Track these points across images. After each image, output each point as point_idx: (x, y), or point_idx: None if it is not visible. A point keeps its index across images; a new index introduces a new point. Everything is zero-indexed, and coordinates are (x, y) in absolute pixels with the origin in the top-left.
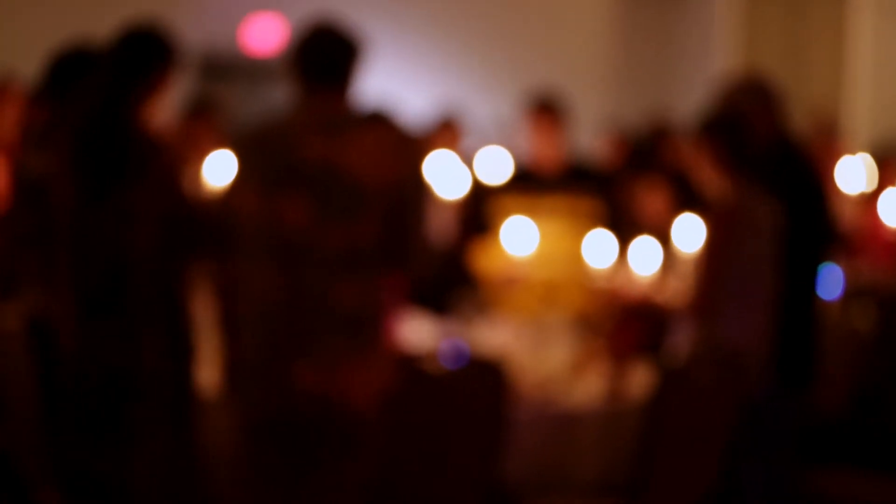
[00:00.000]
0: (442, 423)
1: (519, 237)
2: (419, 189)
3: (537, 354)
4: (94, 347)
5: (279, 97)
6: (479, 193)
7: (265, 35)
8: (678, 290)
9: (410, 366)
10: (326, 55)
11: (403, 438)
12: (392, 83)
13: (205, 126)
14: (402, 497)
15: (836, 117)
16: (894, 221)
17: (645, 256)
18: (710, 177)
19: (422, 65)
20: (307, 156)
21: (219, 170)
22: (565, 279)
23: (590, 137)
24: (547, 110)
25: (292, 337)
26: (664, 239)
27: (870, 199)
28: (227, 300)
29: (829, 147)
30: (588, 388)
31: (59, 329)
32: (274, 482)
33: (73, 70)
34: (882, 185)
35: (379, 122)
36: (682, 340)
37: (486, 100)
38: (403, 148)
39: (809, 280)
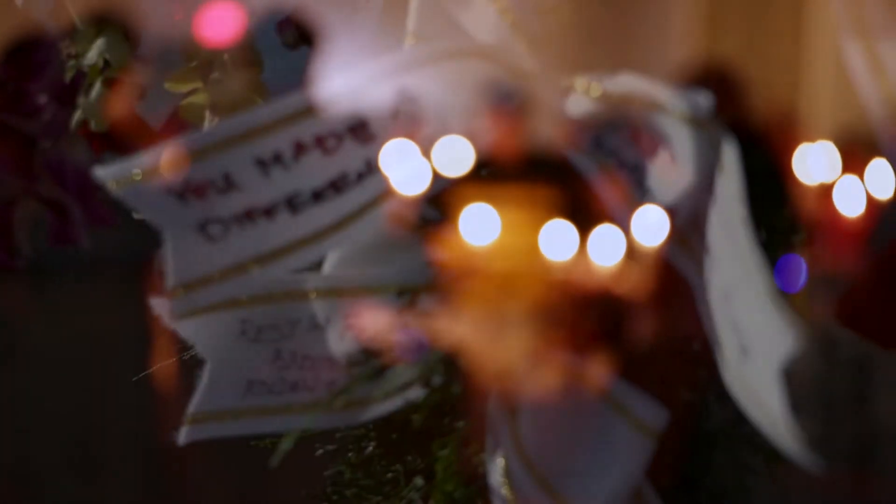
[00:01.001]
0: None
1: (477, 227)
2: None
3: (495, 347)
4: None
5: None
6: (437, 183)
7: (221, 24)
8: (639, 281)
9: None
10: (283, 45)
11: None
12: (349, 72)
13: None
14: None
15: (797, 105)
16: (854, 211)
17: (605, 247)
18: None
19: (379, 53)
20: None
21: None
22: (524, 270)
23: (549, 126)
24: (505, 99)
25: None
26: (625, 229)
27: (830, 189)
28: None
29: (790, 136)
30: (546, 380)
31: None
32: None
33: (24, 62)
34: (843, 175)
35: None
36: (641, 331)
37: (444, 88)
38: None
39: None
